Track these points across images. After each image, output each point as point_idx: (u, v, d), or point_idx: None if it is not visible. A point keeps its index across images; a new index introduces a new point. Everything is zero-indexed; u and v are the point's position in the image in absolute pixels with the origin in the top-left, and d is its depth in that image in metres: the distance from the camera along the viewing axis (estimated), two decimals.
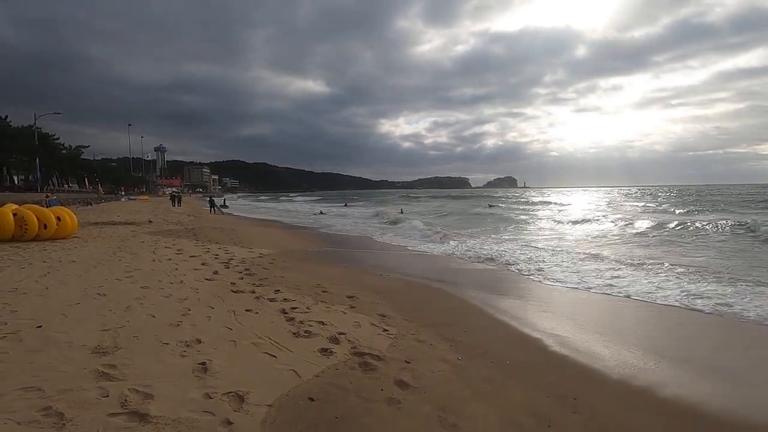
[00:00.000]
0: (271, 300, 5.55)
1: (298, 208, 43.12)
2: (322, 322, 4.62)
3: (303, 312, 5.01)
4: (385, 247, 12.99)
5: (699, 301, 6.08)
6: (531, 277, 8.17)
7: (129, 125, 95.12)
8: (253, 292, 5.96)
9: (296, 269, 8.08)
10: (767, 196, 37.37)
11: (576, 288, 7.17)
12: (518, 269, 8.80)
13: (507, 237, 15.21)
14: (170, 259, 8.57)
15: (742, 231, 14.24)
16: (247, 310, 4.99)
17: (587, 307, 6.15)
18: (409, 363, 3.65)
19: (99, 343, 3.75)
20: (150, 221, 18.72)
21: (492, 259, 9.98)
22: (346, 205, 46.27)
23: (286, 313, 4.97)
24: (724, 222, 15.96)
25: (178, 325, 4.34)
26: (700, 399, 3.27)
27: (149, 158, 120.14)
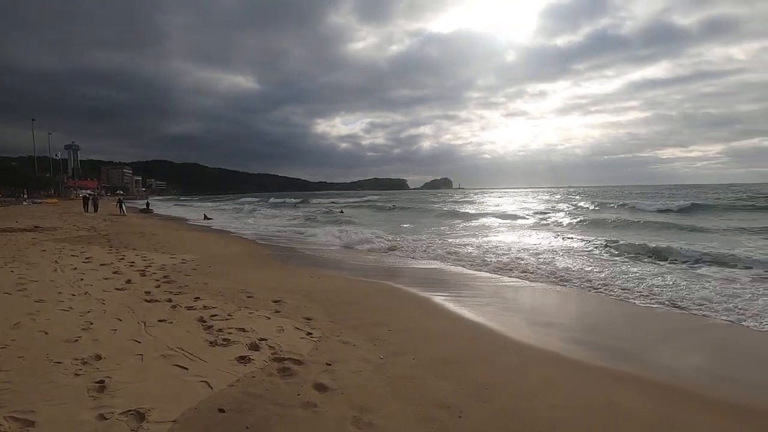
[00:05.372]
0: (189, 308, 5.23)
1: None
2: (242, 329, 4.44)
3: (223, 319, 4.78)
4: (315, 247, 12.81)
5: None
6: (461, 269, 8.54)
7: (33, 120, 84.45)
8: (170, 300, 5.58)
9: (221, 275, 7.69)
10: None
11: (506, 280, 7.61)
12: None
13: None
14: (76, 268, 7.76)
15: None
16: (160, 321, 4.66)
17: (513, 298, 6.52)
18: (330, 365, 3.62)
19: None
20: (36, 227, 16.32)
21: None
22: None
23: (205, 321, 4.71)
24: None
25: (76, 340, 3.94)
26: (612, 386, 3.60)
27: (58, 157, 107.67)
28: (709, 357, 4.31)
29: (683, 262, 8.92)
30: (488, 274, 8.38)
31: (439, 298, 6.36)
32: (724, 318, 5.35)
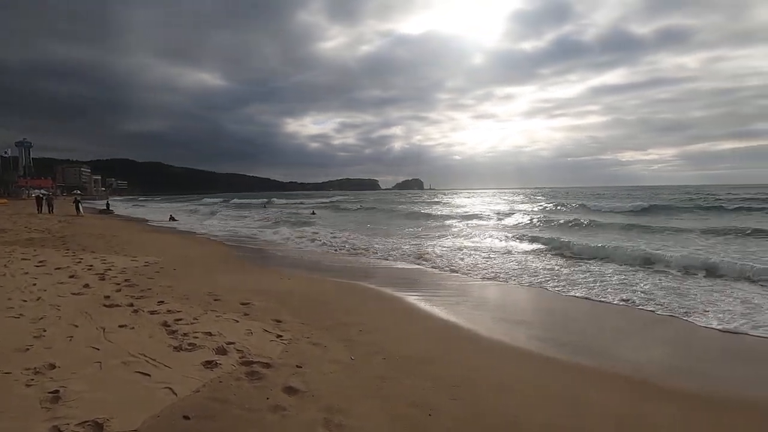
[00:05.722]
0: (153, 312, 5.04)
1: None
2: (209, 333, 4.32)
3: (188, 323, 4.63)
4: (283, 248, 12.63)
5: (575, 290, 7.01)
6: (429, 269, 8.64)
7: None
8: (132, 305, 5.36)
9: (187, 277, 7.45)
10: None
11: (474, 280, 7.75)
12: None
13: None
14: (27, 272, 7.31)
15: None
16: (120, 326, 4.46)
17: (482, 298, 6.64)
18: (300, 367, 3.58)
19: None
20: None
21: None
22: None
23: (169, 325, 4.55)
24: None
25: (28, 349, 3.71)
26: (578, 380, 3.73)
27: (8, 155, 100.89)
28: (664, 351, 4.54)
29: (638, 262, 9.31)
30: (456, 274, 8.52)
31: (409, 298, 6.41)
32: (674, 314, 5.65)
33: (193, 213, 35.68)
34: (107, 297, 5.75)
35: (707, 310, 5.69)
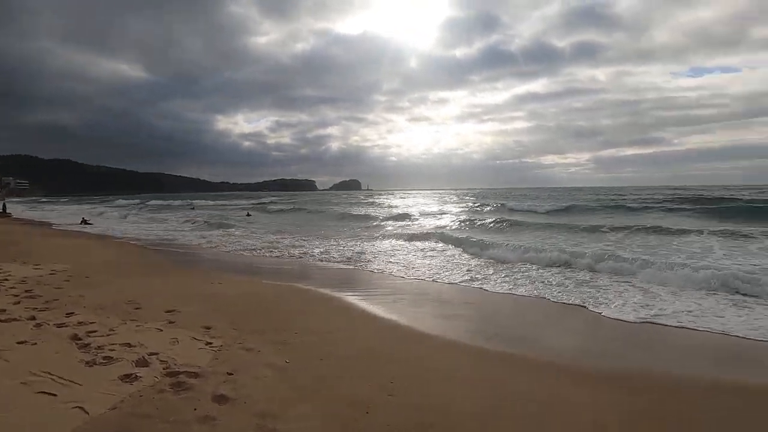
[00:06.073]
0: (60, 326, 4.52)
1: None
2: (128, 344, 3.97)
3: (104, 335, 4.23)
4: (211, 251, 12.03)
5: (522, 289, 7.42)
6: (372, 270, 8.70)
7: None
8: (33, 318, 4.77)
9: (102, 285, 6.80)
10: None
11: (407, 279, 7.92)
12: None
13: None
14: None
15: None
16: (19, 343, 3.94)
17: (417, 295, 6.81)
18: (232, 374, 3.42)
19: None
20: None
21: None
22: None
23: (80, 339, 4.11)
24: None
25: None
26: (506, 368, 3.94)
27: None
28: (577, 338, 4.99)
29: (556, 258, 10.04)
30: (390, 273, 8.67)
31: (345, 298, 6.41)
32: (587, 305, 6.24)
33: (101, 216, 32.31)
34: (2, 311, 5.05)
35: (614, 300, 6.34)
